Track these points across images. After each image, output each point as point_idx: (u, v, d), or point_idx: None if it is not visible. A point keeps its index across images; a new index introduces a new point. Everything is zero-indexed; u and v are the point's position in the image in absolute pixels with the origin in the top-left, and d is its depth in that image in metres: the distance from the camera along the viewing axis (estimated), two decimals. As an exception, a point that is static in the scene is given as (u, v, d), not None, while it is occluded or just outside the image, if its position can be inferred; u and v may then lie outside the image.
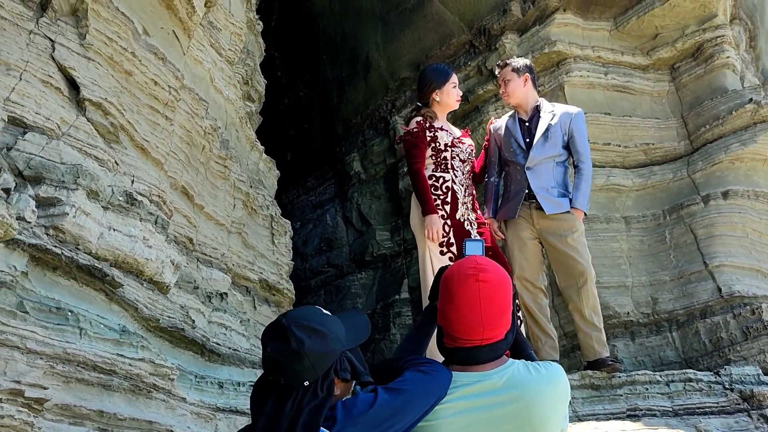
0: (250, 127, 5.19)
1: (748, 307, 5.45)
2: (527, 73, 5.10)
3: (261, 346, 1.84)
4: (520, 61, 5.18)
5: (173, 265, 3.28)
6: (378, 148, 7.74)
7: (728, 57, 6.46)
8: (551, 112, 5.05)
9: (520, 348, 2.17)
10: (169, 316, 3.22)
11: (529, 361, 2.05)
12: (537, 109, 5.08)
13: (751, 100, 6.18)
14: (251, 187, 4.92)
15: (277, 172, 5.64)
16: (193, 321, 3.44)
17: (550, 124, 5.00)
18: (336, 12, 8.34)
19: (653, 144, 6.48)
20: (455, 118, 6.95)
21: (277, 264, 5.04)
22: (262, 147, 5.38)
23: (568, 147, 5.03)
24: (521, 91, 5.07)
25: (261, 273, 4.75)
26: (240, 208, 4.67)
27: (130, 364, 2.66)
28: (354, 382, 1.92)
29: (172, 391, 2.90)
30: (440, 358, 2.15)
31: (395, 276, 7.29)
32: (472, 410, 1.93)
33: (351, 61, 8.13)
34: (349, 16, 8.16)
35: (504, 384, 1.94)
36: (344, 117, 8.29)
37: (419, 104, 5.07)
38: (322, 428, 1.72)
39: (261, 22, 5.68)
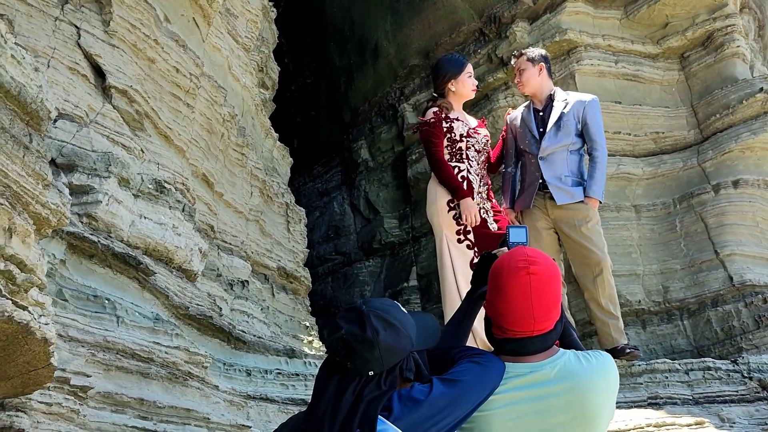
0: (265, 115, 5.19)
1: (760, 295, 5.48)
2: (542, 63, 5.10)
3: (330, 329, 1.85)
4: (535, 51, 5.18)
5: (201, 253, 3.29)
6: (386, 136, 7.73)
7: (738, 46, 6.45)
8: (564, 101, 5.05)
9: (565, 333, 2.18)
10: (198, 304, 3.23)
11: (578, 351, 2.06)
12: (551, 99, 5.08)
13: (761, 89, 6.18)
14: (267, 174, 4.92)
15: (291, 159, 5.64)
16: (220, 309, 3.45)
17: (562, 113, 5.00)
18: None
19: (663, 132, 6.48)
20: (464, 106, 6.95)
21: (293, 252, 5.04)
22: (276, 134, 5.37)
23: (583, 135, 5.03)
24: (536, 81, 5.07)
25: (279, 261, 4.75)
26: (257, 196, 4.67)
27: (166, 352, 2.67)
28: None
29: (205, 379, 2.92)
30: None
31: (403, 264, 7.30)
32: (525, 401, 1.93)
33: (359, 49, 8.10)
34: (357, 4, 8.12)
35: (556, 375, 1.94)
36: (352, 104, 8.27)
37: (435, 94, 5.07)
38: (379, 417, 1.73)
39: (275, 9, 5.66)
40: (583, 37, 6.45)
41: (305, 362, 4.14)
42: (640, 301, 5.80)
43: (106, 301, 2.53)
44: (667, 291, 5.84)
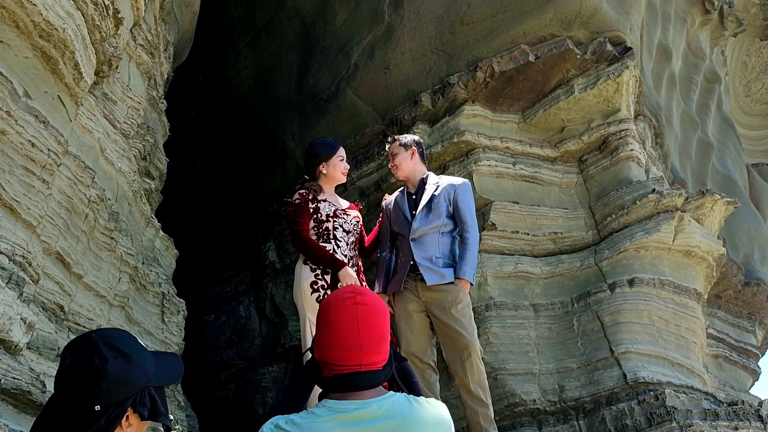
0: (146, 203, 5.08)
1: (652, 393, 5.40)
2: (414, 147, 5.15)
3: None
4: (408, 137, 5.25)
5: (25, 323, 3.10)
6: (294, 237, 7.66)
7: (632, 150, 6.65)
8: (435, 184, 5.08)
9: (409, 382, 2.15)
10: (14, 378, 3.01)
11: (413, 395, 2.00)
12: (424, 182, 5.11)
13: (653, 190, 6.34)
14: (143, 263, 4.77)
15: (176, 251, 5.50)
16: (44, 385, 3.23)
17: (433, 195, 5.00)
18: (254, 102, 8.43)
19: (562, 233, 6.55)
20: (369, 206, 6.96)
21: (165, 343, 4.83)
22: (159, 224, 5.25)
23: (455, 217, 5.01)
24: (408, 165, 5.11)
25: (143, 349, 4.54)
26: (126, 282, 4.50)
27: (-50, 423, 2.44)
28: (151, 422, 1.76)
29: (0, 454, 2.68)
30: None
31: (307, 368, 7.07)
32: None
33: (268, 150, 8.16)
34: (267, 106, 8.25)
35: (383, 413, 1.89)
36: (261, 205, 8.24)
37: (306, 176, 5.03)
38: None
39: (165, 101, 5.66)
40: (481, 139, 6.58)
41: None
42: (535, 401, 5.67)
43: None
44: (563, 390, 5.73)
